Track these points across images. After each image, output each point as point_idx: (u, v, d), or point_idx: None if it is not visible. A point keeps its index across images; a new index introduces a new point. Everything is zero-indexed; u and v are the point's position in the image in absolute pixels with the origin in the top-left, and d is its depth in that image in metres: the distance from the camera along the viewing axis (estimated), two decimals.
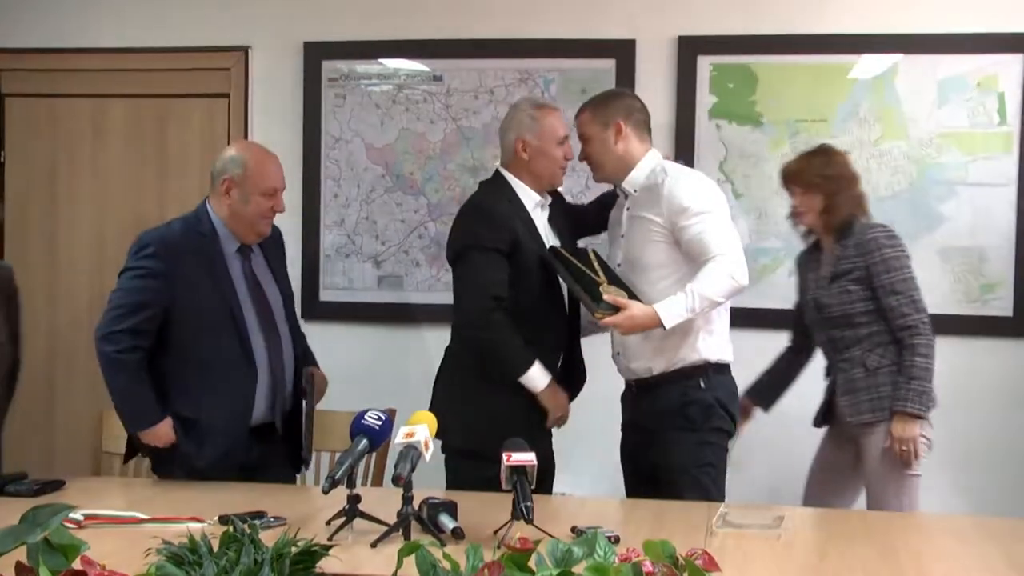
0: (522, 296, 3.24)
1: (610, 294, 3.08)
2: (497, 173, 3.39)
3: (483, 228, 3.24)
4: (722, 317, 3.27)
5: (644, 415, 3.29)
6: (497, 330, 3.19)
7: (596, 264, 3.22)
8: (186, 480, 3.07)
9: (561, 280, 3.28)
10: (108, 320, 3.08)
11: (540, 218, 3.35)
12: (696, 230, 3.12)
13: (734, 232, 3.20)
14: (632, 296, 3.13)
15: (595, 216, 3.57)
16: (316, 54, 4.39)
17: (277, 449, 3.26)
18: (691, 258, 3.15)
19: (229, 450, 3.11)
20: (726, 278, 3.07)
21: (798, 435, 4.07)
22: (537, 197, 3.33)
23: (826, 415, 3.53)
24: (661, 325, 3.05)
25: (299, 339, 3.35)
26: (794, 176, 3.46)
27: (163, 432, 3.08)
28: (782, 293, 4.06)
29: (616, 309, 3.05)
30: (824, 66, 4.10)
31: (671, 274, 3.19)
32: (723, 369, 3.28)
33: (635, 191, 3.29)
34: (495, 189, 3.35)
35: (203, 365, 3.09)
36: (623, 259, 3.31)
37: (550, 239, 3.36)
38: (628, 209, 3.32)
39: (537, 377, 3.20)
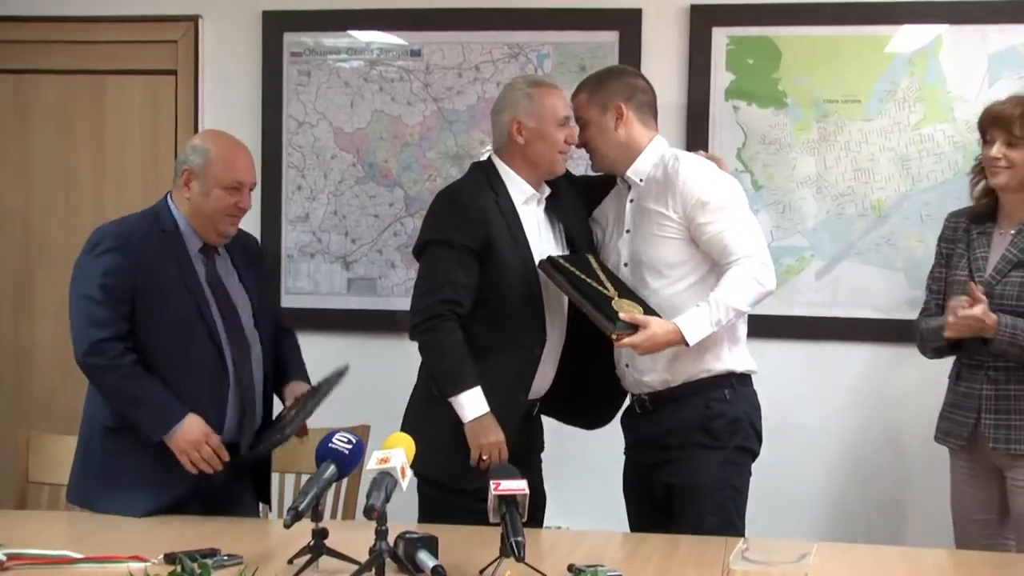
0: (495, 301, 3.23)
1: (625, 310, 3.07)
2: (488, 160, 3.38)
3: (453, 222, 3.23)
4: (743, 322, 3.26)
5: (659, 431, 3.26)
6: (442, 338, 3.18)
7: (601, 273, 3.21)
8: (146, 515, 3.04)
9: (564, 295, 3.25)
10: (86, 334, 3.05)
11: (532, 214, 3.32)
12: (717, 228, 3.13)
13: (757, 228, 3.23)
14: (648, 310, 3.12)
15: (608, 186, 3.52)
16: (276, 25, 4.37)
17: (242, 476, 3.25)
18: (712, 257, 3.17)
19: (205, 473, 3.08)
20: (752, 284, 3.09)
21: (827, 460, 4.06)
22: (530, 190, 3.31)
23: (959, 433, 3.31)
24: (684, 342, 3.06)
25: (288, 350, 3.39)
26: (1010, 122, 3.21)
27: (195, 427, 3.03)
28: (808, 299, 4.07)
29: (634, 328, 3.05)
30: (858, 38, 4.08)
31: (690, 274, 3.20)
32: (747, 380, 3.29)
33: (640, 181, 3.29)
34: (480, 177, 3.34)
35: (172, 372, 3.08)
36: (629, 258, 3.30)
37: (544, 237, 3.34)
38: (632, 201, 3.31)
39: (468, 405, 3.14)
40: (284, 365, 3.35)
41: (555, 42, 4.25)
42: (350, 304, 4.38)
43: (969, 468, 3.34)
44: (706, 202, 3.14)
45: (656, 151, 3.30)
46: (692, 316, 3.07)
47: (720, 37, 4.15)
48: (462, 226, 3.21)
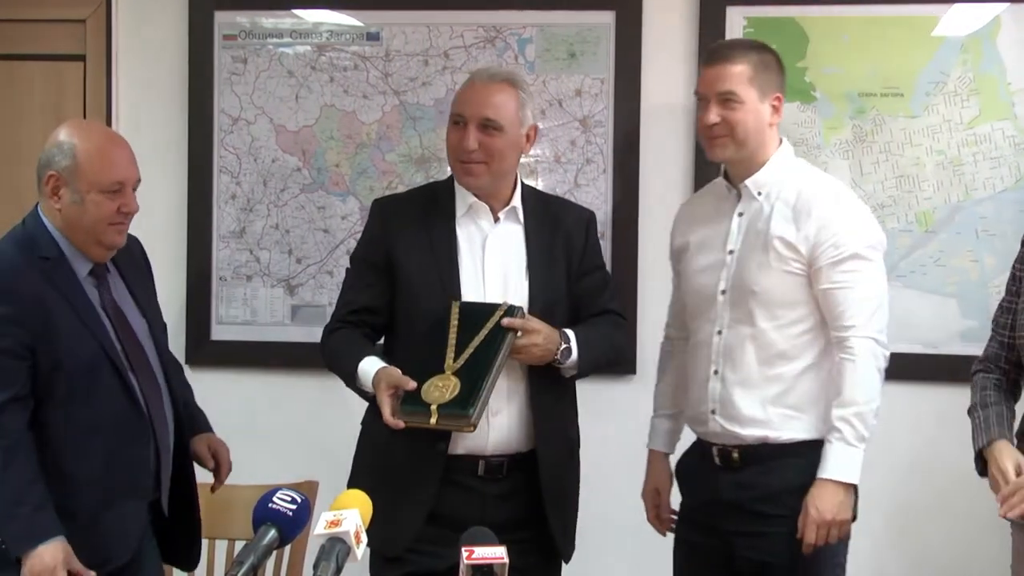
0: (405, 329, 3.26)
1: (432, 393, 3.04)
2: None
3: (363, 236, 3.37)
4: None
5: (749, 496, 3.19)
6: (332, 344, 3.29)
7: (483, 333, 3.15)
8: None
9: None
10: None
11: (469, 227, 3.27)
12: (843, 283, 3.13)
13: (884, 294, 3.21)
14: (465, 396, 3.03)
15: None
16: (206, 2, 4.36)
17: (151, 541, 3.21)
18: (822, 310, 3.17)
19: (134, 541, 3.07)
20: (875, 376, 3.13)
21: (868, 532, 4.03)
22: (471, 199, 3.26)
23: None
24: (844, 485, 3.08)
25: (179, 385, 3.31)
26: None
27: (55, 556, 2.88)
28: None
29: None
30: (900, 20, 4.07)
31: (807, 317, 3.17)
32: None
33: (759, 194, 3.24)
34: (429, 185, 3.42)
35: (79, 431, 3.02)
36: (731, 284, 3.23)
37: (489, 260, 3.27)
38: (742, 215, 3.26)
39: (368, 371, 3.13)
40: (186, 408, 3.31)
41: (539, 23, 4.24)
42: (294, 336, 4.35)
43: None
44: (844, 251, 3.13)
45: (782, 162, 3.27)
46: (836, 456, 3.08)
47: (736, 18, 4.16)
48: (364, 236, 3.38)
